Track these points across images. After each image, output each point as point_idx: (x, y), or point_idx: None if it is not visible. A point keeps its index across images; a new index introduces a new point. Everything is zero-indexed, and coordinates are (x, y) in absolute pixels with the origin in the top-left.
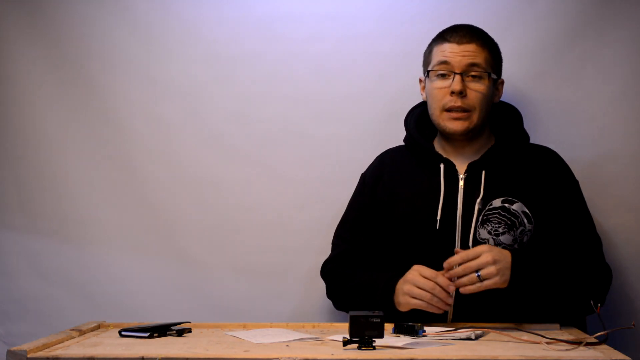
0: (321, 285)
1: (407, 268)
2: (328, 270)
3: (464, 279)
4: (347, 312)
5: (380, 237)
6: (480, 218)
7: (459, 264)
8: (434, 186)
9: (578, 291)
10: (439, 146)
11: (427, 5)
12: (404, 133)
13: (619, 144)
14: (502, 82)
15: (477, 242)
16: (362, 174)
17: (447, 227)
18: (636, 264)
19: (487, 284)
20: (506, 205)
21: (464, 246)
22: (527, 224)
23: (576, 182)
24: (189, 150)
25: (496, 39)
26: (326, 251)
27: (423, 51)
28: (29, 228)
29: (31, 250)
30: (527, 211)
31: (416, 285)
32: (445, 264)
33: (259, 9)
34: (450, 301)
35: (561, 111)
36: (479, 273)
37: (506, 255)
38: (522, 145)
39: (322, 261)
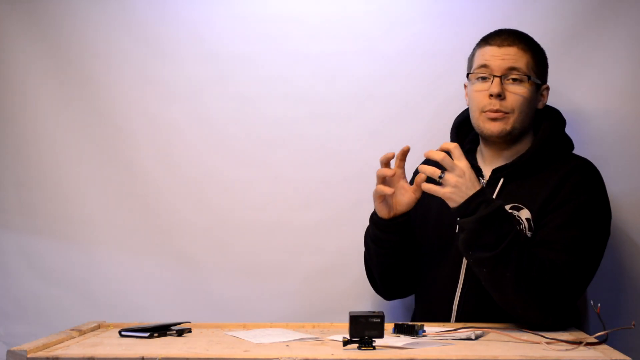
0: (321, 285)
1: (429, 268)
2: None
3: (428, 169)
4: (378, 282)
5: (417, 235)
6: None
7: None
8: None
9: (504, 277)
10: (479, 151)
11: (426, 5)
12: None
13: (619, 144)
14: (547, 88)
15: None
16: None
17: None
18: (636, 264)
19: (439, 189)
20: (514, 212)
21: None
22: (527, 231)
23: (591, 203)
24: (189, 150)
25: None
26: (326, 251)
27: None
28: (29, 228)
29: (31, 250)
30: (530, 218)
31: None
32: (426, 154)
33: (260, 9)
34: (387, 190)
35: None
36: (442, 175)
37: (475, 186)
38: (555, 154)
39: (322, 261)
